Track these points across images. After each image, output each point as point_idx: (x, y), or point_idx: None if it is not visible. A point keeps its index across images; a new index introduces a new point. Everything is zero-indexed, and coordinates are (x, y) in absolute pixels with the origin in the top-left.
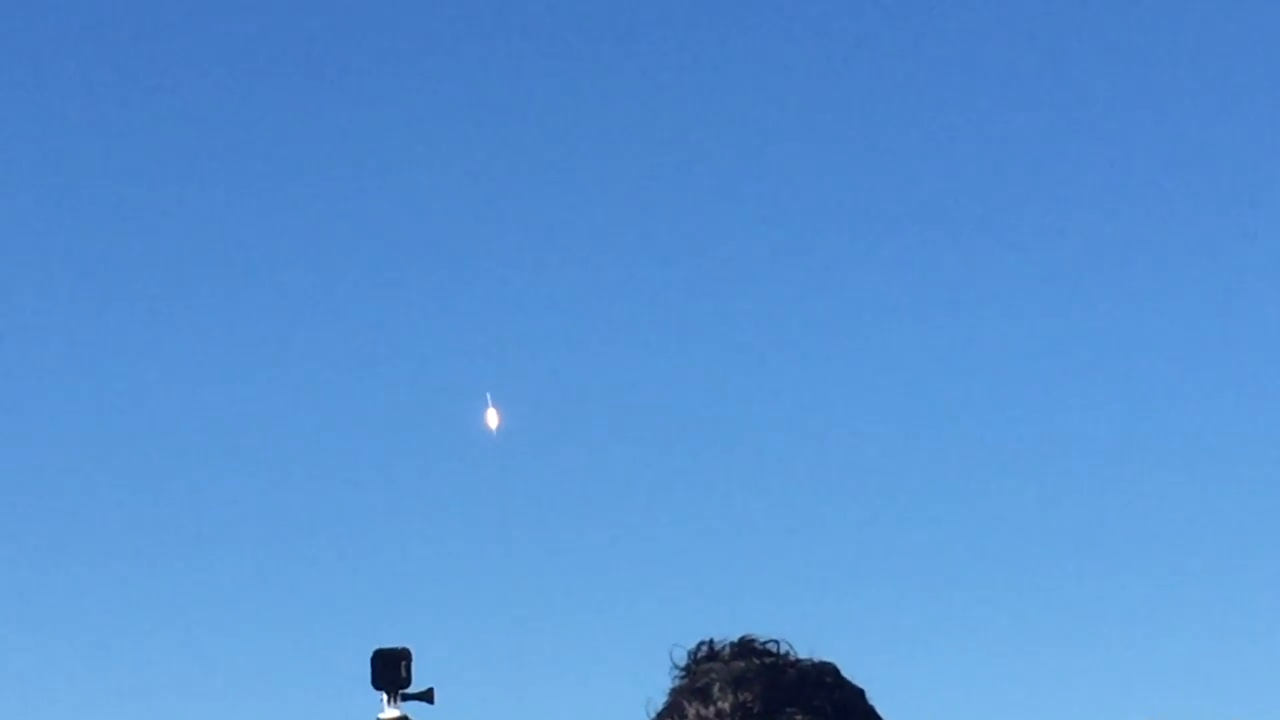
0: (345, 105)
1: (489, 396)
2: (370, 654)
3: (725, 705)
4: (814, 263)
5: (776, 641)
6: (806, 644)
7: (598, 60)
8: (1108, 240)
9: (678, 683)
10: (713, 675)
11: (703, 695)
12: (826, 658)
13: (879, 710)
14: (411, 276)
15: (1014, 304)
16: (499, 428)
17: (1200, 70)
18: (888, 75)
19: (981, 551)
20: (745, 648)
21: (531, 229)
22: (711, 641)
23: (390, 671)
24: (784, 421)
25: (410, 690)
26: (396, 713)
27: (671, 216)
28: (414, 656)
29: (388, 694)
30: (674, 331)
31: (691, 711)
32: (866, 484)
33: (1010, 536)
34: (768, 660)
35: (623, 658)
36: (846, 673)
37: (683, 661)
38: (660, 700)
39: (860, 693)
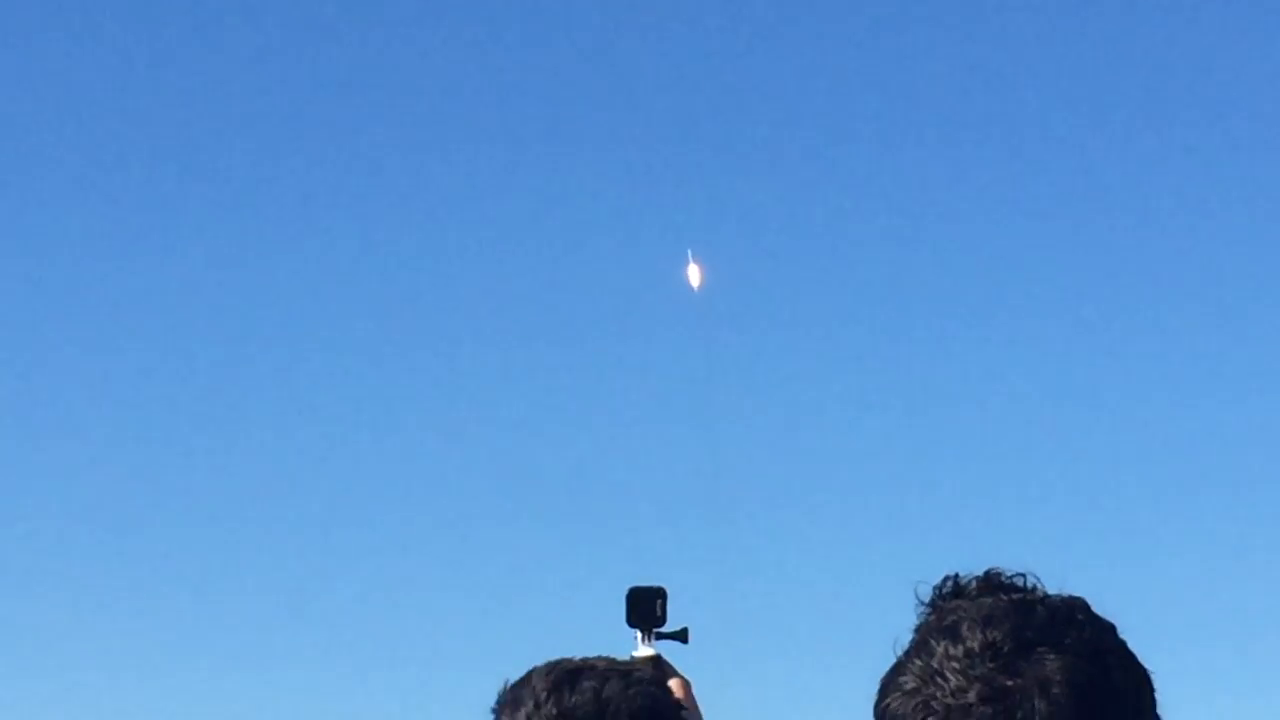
0: None
1: (690, 252)
2: (625, 591)
3: (974, 644)
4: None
5: (1024, 575)
6: (1054, 576)
7: None
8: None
9: (923, 619)
10: (960, 613)
11: (951, 633)
12: (1074, 591)
13: (1131, 646)
14: (604, 126)
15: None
16: (701, 285)
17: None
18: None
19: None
20: (992, 583)
21: (735, 78)
22: (957, 576)
23: (645, 610)
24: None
25: (665, 629)
26: (650, 651)
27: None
28: (669, 595)
29: (642, 632)
30: (892, 186)
31: (940, 650)
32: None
33: None
34: (1015, 596)
35: (848, 572)
36: (1095, 606)
37: (927, 597)
38: (907, 639)
39: (1111, 628)
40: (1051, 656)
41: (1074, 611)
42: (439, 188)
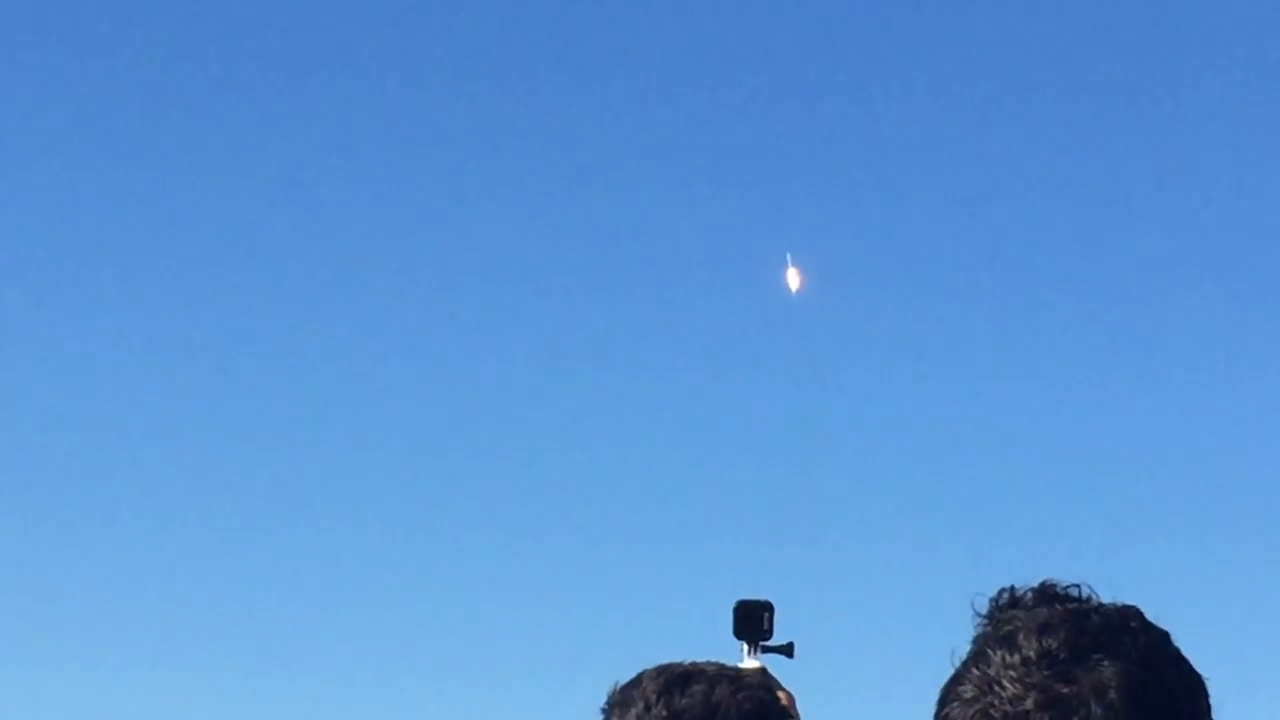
0: None
1: (789, 256)
2: (733, 604)
3: (1031, 652)
4: None
5: (1079, 585)
6: (1108, 587)
7: None
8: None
9: (981, 630)
10: (1017, 623)
11: (1008, 643)
12: (1128, 600)
13: (1185, 653)
14: (705, 126)
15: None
16: (800, 289)
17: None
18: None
19: None
20: (1047, 593)
21: (839, 77)
22: (1013, 588)
23: (752, 623)
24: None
25: (771, 643)
26: (756, 663)
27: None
28: (775, 609)
29: (748, 644)
30: (994, 182)
31: (997, 659)
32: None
33: None
34: (1071, 606)
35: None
36: (1150, 615)
37: (984, 609)
38: (965, 650)
39: (1166, 635)
40: (1107, 664)
41: (1128, 620)
42: (533, 189)
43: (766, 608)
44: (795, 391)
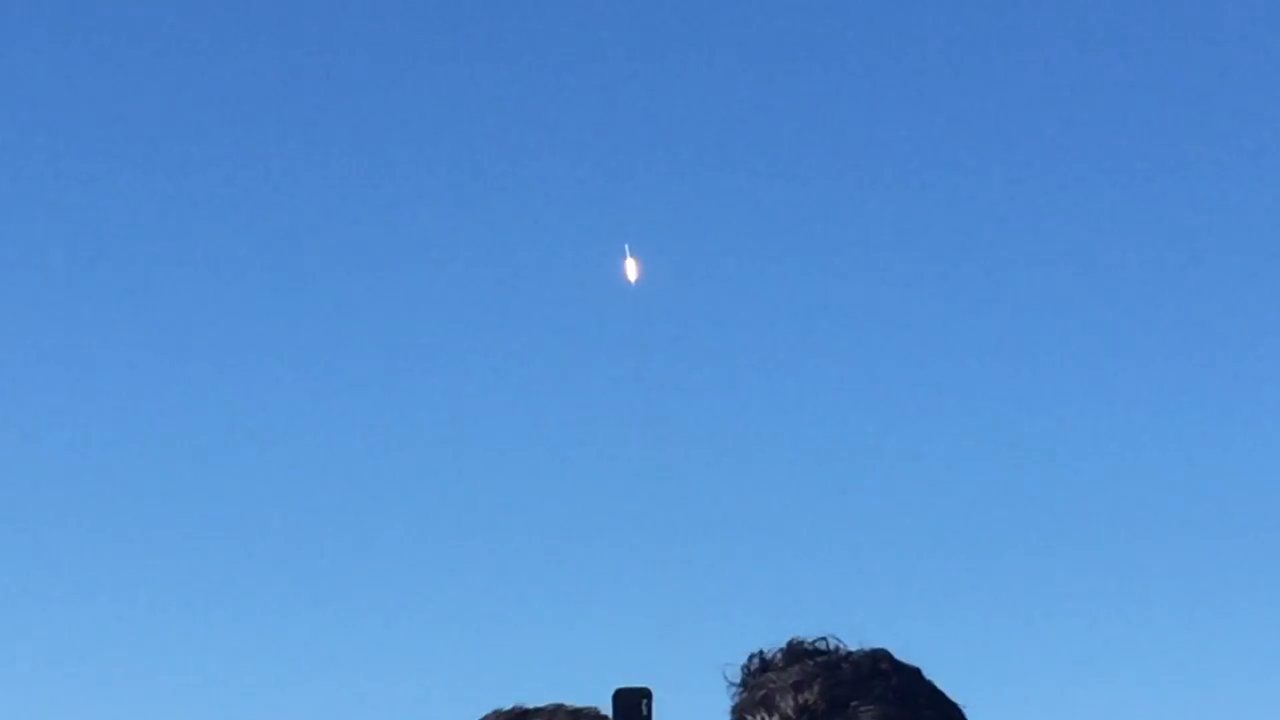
0: None
1: (627, 247)
2: (612, 692)
3: (790, 711)
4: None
5: (825, 638)
6: (854, 631)
7: None
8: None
9: (737, 699)
10: (771, 684)
11: (766, 705)
12: (877, 643)
13: (937, 684)
14: (543, 118)
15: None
16: (639, 279)
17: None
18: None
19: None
20: (796, 651)
21: (677, 73)
22: (762, 652)
23: (631, 711)
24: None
25: None
26: None
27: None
28: (654, 696)
29: None
30: (833, 179)
31: None
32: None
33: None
34: (820, 659)
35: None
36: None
37: (737, 678)
38: None
39: (917, 672)
40: (864, 709)
41: (878, 663)
42: (375, 177)
43: (645, 695)
44: (633, 384)
